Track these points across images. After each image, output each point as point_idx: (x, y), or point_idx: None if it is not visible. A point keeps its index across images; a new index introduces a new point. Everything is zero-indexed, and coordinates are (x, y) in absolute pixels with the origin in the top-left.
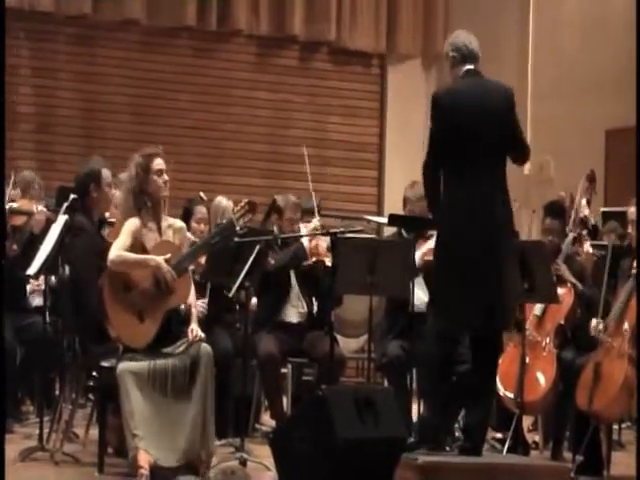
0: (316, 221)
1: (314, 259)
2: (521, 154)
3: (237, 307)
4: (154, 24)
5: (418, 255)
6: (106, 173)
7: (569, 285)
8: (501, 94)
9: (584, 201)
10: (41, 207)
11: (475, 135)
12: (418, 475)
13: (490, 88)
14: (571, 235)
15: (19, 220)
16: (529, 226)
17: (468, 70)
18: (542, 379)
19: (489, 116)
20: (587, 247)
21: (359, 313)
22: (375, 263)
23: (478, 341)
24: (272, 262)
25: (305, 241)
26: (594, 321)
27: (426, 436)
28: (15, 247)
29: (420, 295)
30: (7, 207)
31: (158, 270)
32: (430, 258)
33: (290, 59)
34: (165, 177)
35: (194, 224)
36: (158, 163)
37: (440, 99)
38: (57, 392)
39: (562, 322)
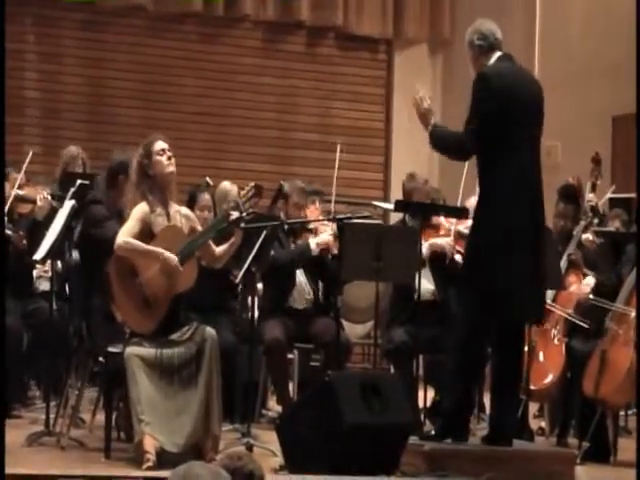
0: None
1: (321, 248)
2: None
3: (239, 293)
4: (160, 10)
5: (425, 246)
6: None
7: (579, 272)
8: (537, 84)
9: (589, 185)
10: (45, 194)
11: (521, 119)
12: (425, 461)
13: (529, 76)
14: (582, 222)
15: (25, 208)
16: None
17: (503, 55)
18: (550, 367)
19: (533, 102)
20: (589, 234)
21: (365, 299)
22: (381, 249)
23: (505, 330)
24: (276, 256)
25: (313, 243)
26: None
27: (453, 427)
28: (24, 242)
29: (426, 285)
30: (13, 194)
31: (165, 263)
32: (437, 242)
33: (297, 45)
34: (168, 154)
35: (198, 211)
36: (159, 144)
37: (490, 80)
38: (64, 377)
39: (572, 310)
